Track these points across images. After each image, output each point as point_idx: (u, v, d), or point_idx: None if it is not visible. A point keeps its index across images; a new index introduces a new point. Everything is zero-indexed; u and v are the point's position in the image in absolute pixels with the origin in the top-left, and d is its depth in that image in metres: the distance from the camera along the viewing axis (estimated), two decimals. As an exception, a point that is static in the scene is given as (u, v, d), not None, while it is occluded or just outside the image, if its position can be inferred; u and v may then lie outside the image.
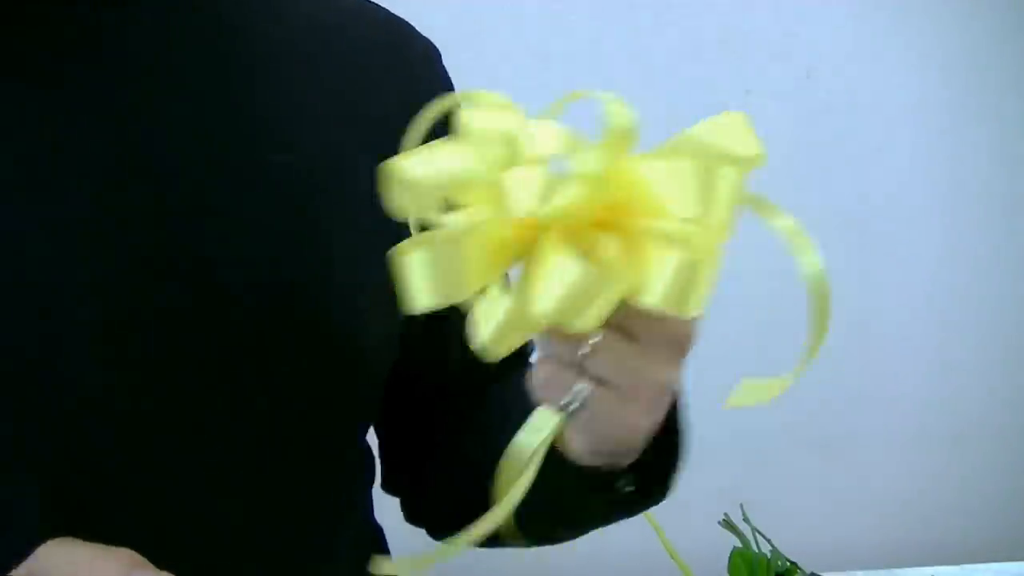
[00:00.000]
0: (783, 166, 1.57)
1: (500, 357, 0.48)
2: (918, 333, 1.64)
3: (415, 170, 0.47)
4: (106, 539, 0.49)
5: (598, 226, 0.47)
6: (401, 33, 0.71)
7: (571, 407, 0.49)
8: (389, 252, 0.47)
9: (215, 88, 0.60)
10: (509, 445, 0.54)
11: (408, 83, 0.68)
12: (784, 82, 1.56)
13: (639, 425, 0.50)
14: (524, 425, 0.54)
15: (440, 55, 0.72)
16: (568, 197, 0.45)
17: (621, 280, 0.45)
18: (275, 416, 0.61)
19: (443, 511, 0.74)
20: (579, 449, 0.53)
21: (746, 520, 1.23)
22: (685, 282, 0.45)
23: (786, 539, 1.26)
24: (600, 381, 0.48)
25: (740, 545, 1.22)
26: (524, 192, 0.44)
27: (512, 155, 0.46)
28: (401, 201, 0.48)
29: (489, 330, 0.48)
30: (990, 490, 1.66)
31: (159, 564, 0.48)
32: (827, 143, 1.59)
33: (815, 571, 1.29)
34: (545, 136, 0.47)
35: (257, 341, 0.59)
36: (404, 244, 0.47)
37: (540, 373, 0.49)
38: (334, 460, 0.68)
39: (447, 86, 0.71)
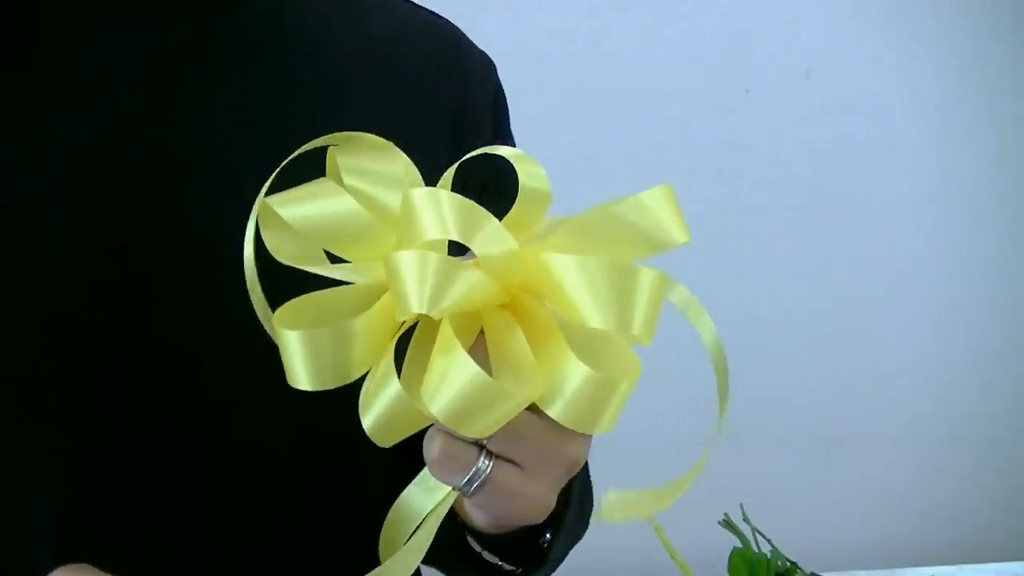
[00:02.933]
0: (782, 166, 1.58)
1: (389, 445, 0.43)
2: (916, 333, 1.65)
3: (291, 212, 0.42)
4: (127, 542, 0.48)
5: (504, 307, 0.42)
6: (456, 45, 0.69)
7: (469, 488, 0.43)
8: (273, 318, 0.42)
9: (269, 100, 0.60)
10: (398, 500, 0.50)
11: (460, 96, 0.67)
12: (784, 82, 1.56)
13: (544, 503, 0.45)
14: (416, 479, 0.49)
15: (495, 67, 0.71)
16: (466, 290, 0.39)
17: (522, 391, 0.39)
18: (312, 420, 0.59)
19: None
20: (477, 520, 0.48)
21: (746, 520, 1.23)
22: (594, 401, 0.40)
23: (786, 539, 1.26)
24: (502, 457, 0.43)
25: (740, 545, 1.22)
26: (415, 291, 0.38)
27: (402, 207, 0.41)
28: (278, 243, 0.44)
29: (375, 417, 0.42)
30: (990, 490, 1.66)
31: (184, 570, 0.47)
32: (826, 143, 1.59)
33: (815, 571, 1.29)
34: (436, 208, 0.40)
35: None
36: (284, 312, 0.42)
37: (435, 447, 0.43)
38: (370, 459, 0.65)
39: (500, 99, 0.70)
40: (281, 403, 0.56)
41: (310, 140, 0.46)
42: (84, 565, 0.48)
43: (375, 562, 0.47)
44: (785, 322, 1.56)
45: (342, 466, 0.61)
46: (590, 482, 0.62)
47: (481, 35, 0.72)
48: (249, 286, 0.46)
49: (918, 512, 1.64)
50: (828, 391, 1.59)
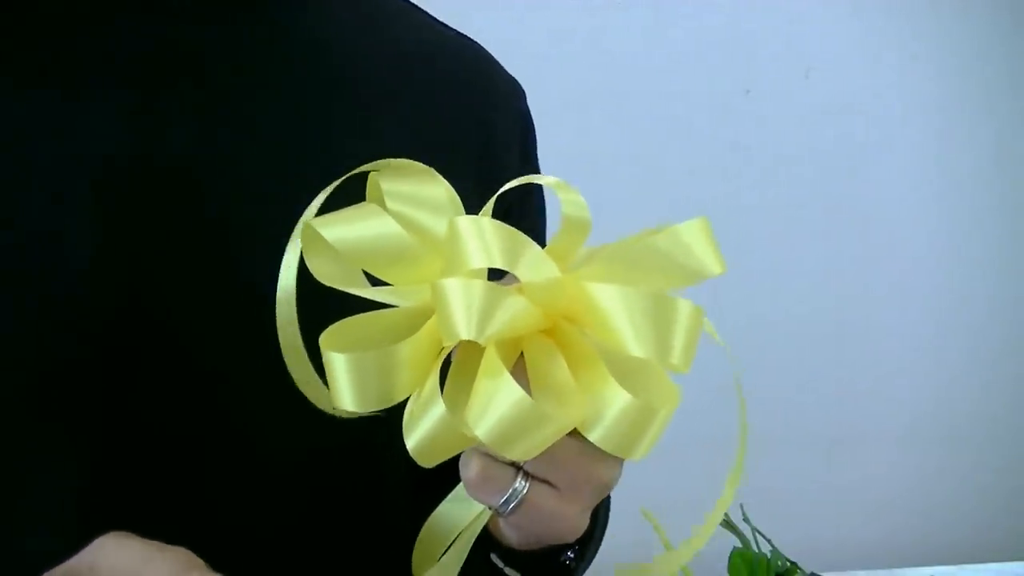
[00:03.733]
0: (783, 166, 1.58)
1: (431, 466, 0.44)
2: (917, 333, 1.65)
3: (335, 234, 0.43)
4: (150, 524, 0.48)
5: (544, 333, 0.43)
6: (485, 70, 0.69)
7: (506, 508, 0.44)
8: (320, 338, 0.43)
9: (293, 108, 0.59)
10: (432, 516, 0.51)
11: (487, 119, 0.66)
12: (784, 82, 1.56)
13: (577, 524, 0.46)
14: (451, 496, 0.50)
15: (524, 94, 0.71)
16: (511, 317, 0.40)
17: (565, 416, 0.40)
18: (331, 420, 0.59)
19: None
20: (509, 538, 0.48)
21: (746, 520, 1.23)
22: (634, 427, 0.41)
23: (786, 539, 1.26)
24: (539, 479, 0.44)
25: (740, 545, 1.22)
26: (462, 318, 0.39)
27: (447, 234, 0.41)
28: (319, 265, 0.45)
29: (418, 439, 0.43)
30: (990, 490, 1.66)
31: (208, 553, 0.47)
32: (826, 143, 1.59)
33: (815, 571, 1.29)
34: (481, 236, 0.41)
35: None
36: (330, 333, 0.43)
37: (473, 468, 0.44)
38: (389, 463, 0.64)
39: (528, 123, 0.70)
40: (297, 422, 0.55)
41: (335, 159, 0.47)
42: (128, 533, 0.47)
43: None
44: (786, 322, 1.56)
45: (356, 484, 0.61)
46: (608, 496, 0.62)
47: (481, 34, 0.72)
48: (281, 318, 0.47)
49: (918, 512, 1.64)
50: (828, 391, 1.59)
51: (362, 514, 0.62)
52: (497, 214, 0.63)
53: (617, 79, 1.49)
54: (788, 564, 1.23)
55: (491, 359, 0.41)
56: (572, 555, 0.55)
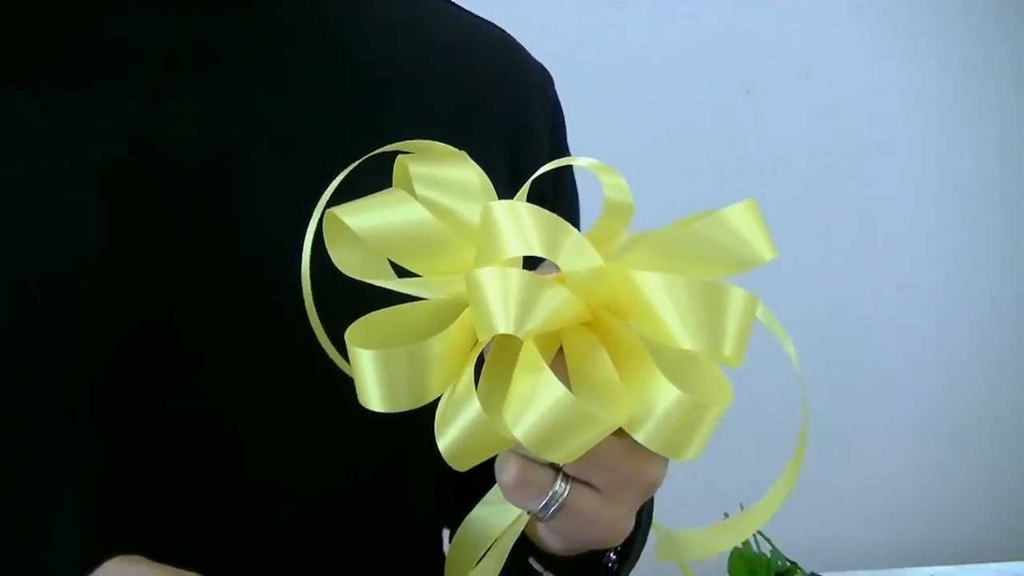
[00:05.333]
0: (783, 165, 1.58)
1: (465, 469, 0.41)
2: (918, 332, 1.64)
3: (359, 222, 0.40)
4: (156, 545, 0.47)
5: (586, 325, 0.40)
6: (514, 59, 0.68)
7: (546, 513, 0.41)
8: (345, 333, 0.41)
9: (321, 99, 0.58)
10: (466, 521, 0.48)
11: (514, 110, 0.65)
12: (784, 82, 1.56)
13: (622, 527, 0.43)
14: (485, 499, 0.48)
15: (552, 81, 0.69)
16: (552, 309, 0.37)
17: (611, 415, 0.38)
18: (349, 430, 0.56)
19: None
20: (550, 543, 0.46)
21: (746, 520, 1.23)
22: (684, 425, 0.38)
23: (786, 539, 1.26)
24: (580, 481, 0.42)
25: (740, 545, 1.23)
26: (500, 311, 0.36)
27: (481, 221, 0.39)
28: (342, 256, 0.42)
29: (451, 440, 0.40)
30: (991, 490, 1.66)
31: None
32: (826, 142, 1.59)
33: (815, 571, 1.29)
34: (518, 223, 0.38)
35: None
36: (355, 329, 0.40)
37: (510, 471, 0.41)
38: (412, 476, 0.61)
39: (558, 112, 0.68)
40: (318, 429, 0.54)
41: (353, 155, 0.45)
42: (136, 556, 0.46)
43: None
44: (786, 321, 1.54)
45: (382, 493, 0.59)
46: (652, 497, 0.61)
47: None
48: (308, 307, 0.44)
49: (919, 512, 1.64)
50: (829, 391, 1.59)
51: (387, 522, 0.60)
52: (531, 201, 0.62)
53: (616, 79, 1.49)
54: (788, 564, 1.23)
55: (530, 354, 0.38)
56: (615, 557, 0.52)
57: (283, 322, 0.48)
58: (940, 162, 1.64)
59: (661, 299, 0.37)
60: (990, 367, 1.66)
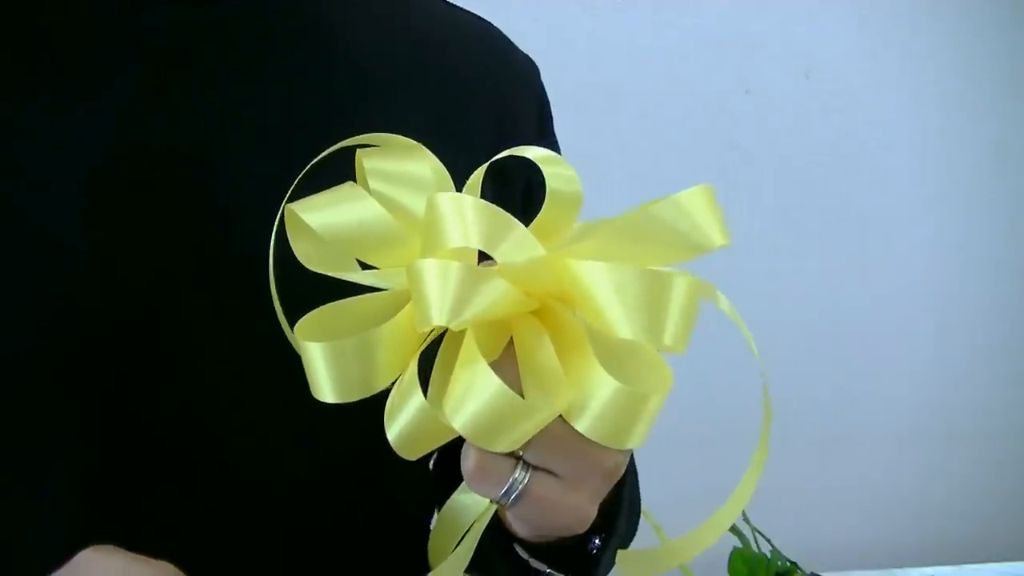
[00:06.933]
0: (782, 166, 1.58)
1: (415, 458, 0.42)
2: (916, 332, 1.65)
3: (315, 218, 0.41)
4: (142, 534, 0.48)
5: (534, 314, 0.40)
6: (500, 50, 0.68)
7: (507, 500, 0.42)
8: (295, 329, 0.41)
9: (307, 94, 0.58)
10: (445, 506, 0.49)
11: (501, 102, 0.65)
12: (784, 82, 1.56)
13: (584, 514, 0.44)
14: (461, 486, 0.48)
15: (538, 71, 0.69)
16: (489, 302, 0.37)
17: (547, 407, 0.38)
18: (344, 423, 0.56)
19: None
20: (518, 530, 0.47)
21: (746, 520, 1.23)
22: (624, 415, 0.38)
23: (786, 539, 1.26)
24: (540, 469, 0.42)
25: (740, 545, 1.23)
26: (436, 302, 0.37)
27: (426, 212, 0.39)
28: (305, 250, 0.43)
29: (399, 430, 0.40)
30: (990, 490, 1.66)
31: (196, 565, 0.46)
32: (826, 142, 1.59)
33: (815, 571, 1.29)
34: (460, 215, 0.38)
35: None
36: (305, 323, 0.41)
37: (471, 460, 0.42)
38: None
39: (544, 103, 0.69)
40: (306, 421, 0.55)
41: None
42: (110, 546, 0.47)
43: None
44: (785, 321, 1.56)
45: (369, 481, 0.60)
46: (637, 479, 0.61)
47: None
48: (274, 298, 0.45)
49: (918, 512, 1.64)
50: (828, 391, 1.59)
51: (376, 509, 0.61)
52: (520, 194, 0.60)
53: (616, 78, 1.49)
54: (788, 564, 1.23)
55: (469, 347, 0.38)
56: (598, 542, 0.53)
57: (268, 316, 0.49)
58: (939, 162, 1.64)
59: (601, 288, 0.38)
60: (989, 367, 1.67)
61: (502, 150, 0.64)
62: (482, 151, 0.61)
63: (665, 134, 1.51)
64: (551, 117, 0.70)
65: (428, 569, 0.51)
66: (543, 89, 0.69)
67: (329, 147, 0.45)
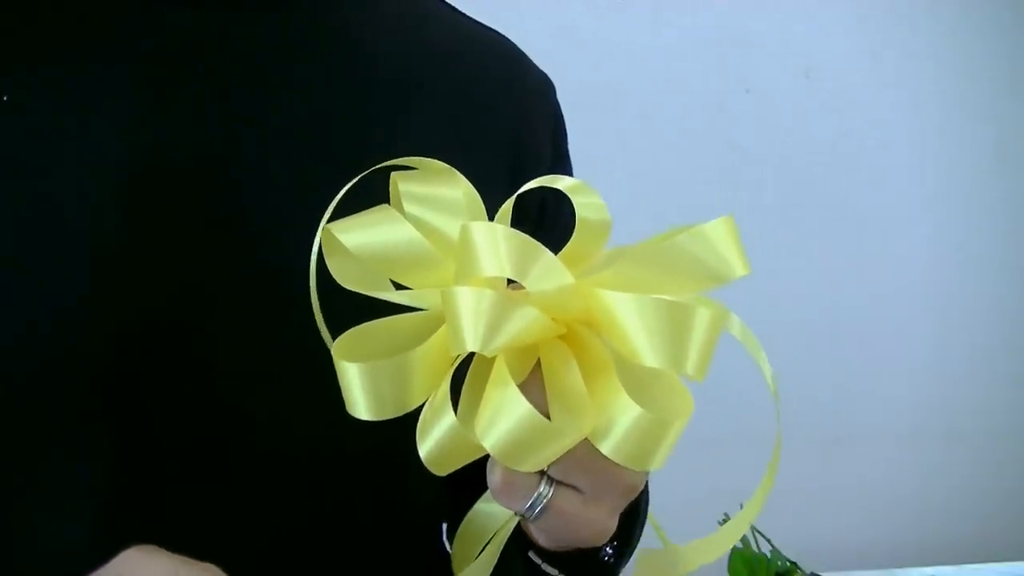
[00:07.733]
0: (782, 166, 1.58)
1: (445, 474, 0.44)
2: (916, 332, 1.65)
3: (352, 239, 0.43)
4: (166, 534, 0.48)
5: (562, 338, 0.42)
6: (516, 65, 0.69)
7: (532, 513, 0.44)
8: (332, 348, 0.43)
9: (331, 103, 0.59)
10: (468, 515, 0.51)
11: (518, 116, 0.66)
12: (784, 82, 1.56)
13: (603, 527, 0.46)
14: (484, 496, 0.51)
15: (554, 88, 0.70)
16: (520, 328, 0.39)
17: (573, 429, 0.40)
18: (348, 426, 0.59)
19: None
20: (540, 540, 0.49)
21: (746, 520, 1.23)
22: (646, 439, 0.40)
23: (786, 539, 1.26)
24: (564, 484, 0.44)
25: (740, 545, 1.23)
26: (470, 329, 0.39)
27: (460, 240, 0.41)
28: (340, 268, 0.45)
29: (430, 447, 0.42)
30: (990, 490, 1.66)
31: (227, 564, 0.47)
32: (825, 142, 1.59)
33: (815, 571, 1.29)
34: (493, 244, 0.40)
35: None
36: (342, 342, 0.43)
37: (497, 475, 0.43)
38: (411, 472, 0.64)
39: (558, 119, 0.70)
40: (323, 422, 0.55)
41: (368, 160, 0.47)
42: (152, 546, 0.47)
43: None
44: (785, 321, 1.56)
45: (383, 483, 0.61)
46: (647, 488, 0.62)
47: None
48: (316, 314, 0.47)
49: (918, 512, 1.64)
50: (828, 391, 1.59)
51: (391, 515, 0.61)
52: (533, 209, 0.60)
53: (616, 78, 1.49)
54: (788, 564, 1.23)
55: (500, 370, 0.40)
56: (611, 551, 0.55)
57: (293, 321, 0.49)
58: (938, 162, 1.64)
59: (627, 318, 0.39)
60: (988, 367, 1.67)
61: (518, 166, 0.64)
62: (500, 163, 0.62)
63: (665, 134, 1.51)
64: (566, 135, 0.70)
65: (440, 567, 0.53)
66: (558, 105, 0.70)
67: (356, 153, 0.46)
